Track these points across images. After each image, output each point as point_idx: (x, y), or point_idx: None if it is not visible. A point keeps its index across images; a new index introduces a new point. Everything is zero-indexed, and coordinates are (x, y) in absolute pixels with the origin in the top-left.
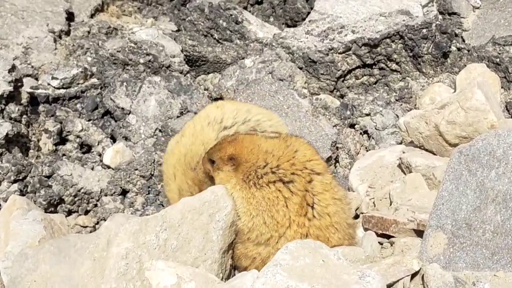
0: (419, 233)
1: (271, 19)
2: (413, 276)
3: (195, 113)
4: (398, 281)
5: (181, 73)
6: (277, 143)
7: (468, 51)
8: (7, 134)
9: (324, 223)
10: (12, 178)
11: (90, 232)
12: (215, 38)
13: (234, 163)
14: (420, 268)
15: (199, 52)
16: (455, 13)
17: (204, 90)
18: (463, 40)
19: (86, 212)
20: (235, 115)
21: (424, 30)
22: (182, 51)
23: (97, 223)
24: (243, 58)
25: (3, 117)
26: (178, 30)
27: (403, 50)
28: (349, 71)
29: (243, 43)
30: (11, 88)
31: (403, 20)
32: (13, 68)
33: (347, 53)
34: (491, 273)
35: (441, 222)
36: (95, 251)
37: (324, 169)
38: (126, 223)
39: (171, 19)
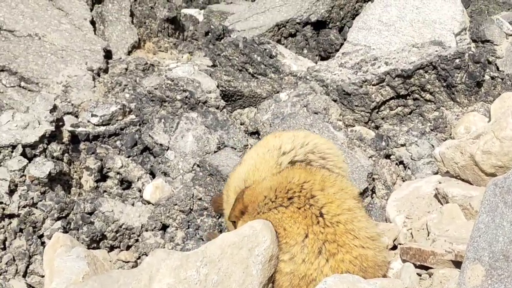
0: (457, 264)
1: (305, 51)
2: None
3: (232, 147)
4: None
5: (217, 108)
6: (275, 178)
7: (502, 79)
8: (49, 173)
9: (339, 230)
10: (56, 215)
11: (132, 267)
12: (250, 73)
13: (243, 213)
14: None
15: (234, 87)
16: (488, 41)
17: (241, 124)
18: (497, 68)
19: (128, 248)
20: (293, 140)
21: (457, 60)
22: (218, 86)
23: (139, 258)
24: (278, 92)
25: (45, 156)
26: (214, 65)
27: (437, 80)
28: (383, 102)
29: (278, 77)
30: (52, 128)
31: (436, 51)
32: (54, 108)
33: (381, 84)
34: None
35: (478, 254)
36: (138, 287)
37: (325, 185)
38: (167, 258)
39: (206, 54)
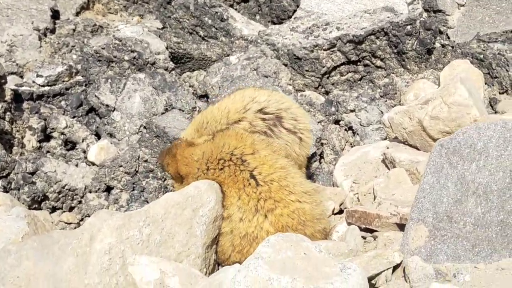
0: (402, 227)
1: (257, 17)
2: (394, 268)
3: (180, 109)
4: (379, 273)
5: (166, 70)
6: (208, 146)
7: (453, 47)
8: None
9: (274, 187)
10: None
11: (75, 228)
12: (200, 36)
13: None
14: (402, 261)
15: (184, 49)
16: (440, 11)
17: (189, 87)
18: (448, 37)
19: (71, 209)
20: (269, 95)
21: (409, 27)
22: (167, 48)
23: (82, 219)
24: (228, 55)
25: None
26: (164, 28)
27: (388, 47)
28: (334, 68)
29: (228, 40)
30: None
31: (388, 17)
32: None
33: (332, 49)
34: (471, 265)
35: (422, 215)
36: (78, 247)
37: (257, 148)
38: (109, 219)
39: (157, 17)
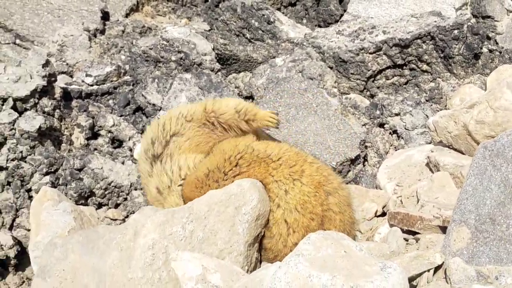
0: (445, 229)
1: (304, 20)
2: (436, 270)
3: None
4: (420, 274)
5: (212, 71)
6: (207, 160)
7: (500, 53)
8: (39, 127)
9: (292, 155)
10: (44, 170)
11: (120, 224)
12: (246, 38)
13: None
14: (443, 262)
15: (230, 50)
16: (489, 17)
17: (235, 88)
18: (496, 43)
19: (116, 206)
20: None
21: (456, 31)
22: (213, 49)
23: (127, 216)
24: (274, 57)
25: (36, 111)
26: (211, 30)
27: (434, 51)
28: (380, 71)
29: (274, 43)
30: (44, 83)
31: (435, 21)
32: (47, 63)
33: (378, 53)
34: None
35: (465, 216)
36: (122, 242)
37: (252, 139)
38: (153, 215)
39: (204, 19)
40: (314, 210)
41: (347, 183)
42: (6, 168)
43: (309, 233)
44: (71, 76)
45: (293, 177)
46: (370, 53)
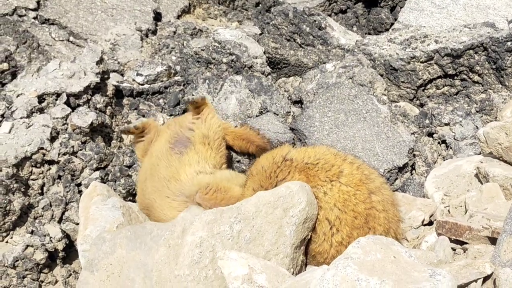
0: (493, 240)
1: (355, 28)
2: (484, 280)
3: (275, 113)
4: (469, 283)
5: (262, 74)
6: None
7: None
8: (91, 123)
9: (328, 158)
10: (94, 165)
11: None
12: (297, 43)
13: None
14: (492, 272)
15: (281, 54)
16: None
17: (285, 92)
18: None
19: None
20: None
21: (509, 43)
22: (264, 53)
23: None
24: (324, 63)
25: (89, 107)
26: (262, 34)
27: (486, 62)
28: (430, 81)
29: (325, 49)
30: (98, 80)
31: (488, 32)
32: (101, 61)
33: (429, 62)
34: None
35: None
36: (170, 238)
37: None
38: (201, 213)
39: (255, 23)
40: (356, 208)
41: (394, 191)
42: (58, 162)
43: (353, 231)
44: (122, 75)
45: (331, 179)
46: (421, 62)
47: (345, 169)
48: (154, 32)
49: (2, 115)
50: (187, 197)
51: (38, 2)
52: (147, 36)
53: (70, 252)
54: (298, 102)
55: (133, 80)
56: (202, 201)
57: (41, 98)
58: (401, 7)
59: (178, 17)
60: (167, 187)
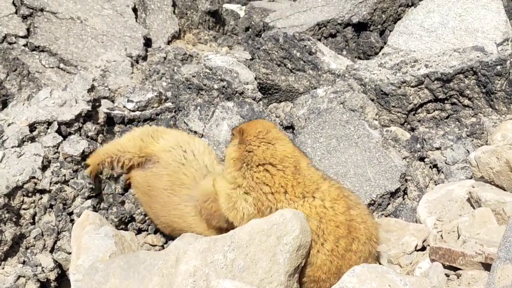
0: (487, 266)
1: (344, 52)
2: None
3: None
4: None
5: (254, 99)
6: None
7: None
8: (83, 152)
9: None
10: (86, 194)
11: (159, 250)
12: (288, 68)
13: None
14: None
15: (272, 80)
16: None
17: (276, 117)
18: None
19: (155, 232)
20: None
21: (499, 67)
22: (255, 78)
23: (166, 242)
24: (315, 88)
25: (80, 135)
26: (252, 59)
27: (476, 86)
28: (421, 105)
29: (316, 73)
30: (89, 108)
31: (477, 56)
32: (92, 88)
33: (420, 86)
34: None
35: (510, 254)
36: (164, 268)
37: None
38: (195, 242)
39: (245, 48)
40: (336, 218)
41: (386, 216)
42: (49, 191)
43: (340, 240)
44: (113, 101)
45: (304, 195)
46: (412, 87)
47: (321, 186)
48: (145, 58)
49: None
50: (196, 201)
51: (28, 29)
52: (137, 62)
53: (62, 281)
54: (290, 128)
55: (124, 106)
56: (201, 209)
57: (32, 127)
58: (390, 31)
59: (168, 42)
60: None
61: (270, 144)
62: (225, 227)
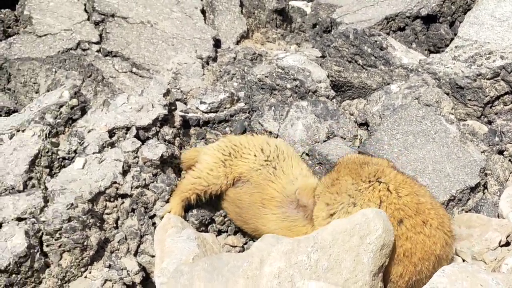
0: None
1: (414, 45)
2: None
3: (342, 137)
4: None
5: (327, 98)
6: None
7: None
8: (162, 156)
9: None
10: (166, 197)
11: (239, 251)
12: (359, 64)
13: None
14: None
15: (344, 77)
16: None
17: (350, 115)
18: None
19: (235, 233)
20: None
21: None
22: (328, 76)
23: (246, 243)
24: (388, 84)
25: (158, 139)
26: (323, 56)
27: None
28: (497, 97)
29: (388, 69)
30: (166, 112)
31: None
32: (167, 92)
33: (496, 79)
34: None
35: None
36: (249, 270)
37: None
38: (277, 243)
39: (313, 45)
40: (399, 201)
41: (467, 212)
42: (131, 196)
43: (404, 222)
44: (185, 103)
45: (370, 179)
46: (488, 79)
47: (385, 170)
48: (215, 59)
49: (75, 151)
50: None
51: (100, 35)
52: (208, 64)
53: (146, 284)
54: (364, 125)
55: (197, 108)
56: (301, 197)
57: (111, 133)
58: (460, 22)
59: (237, 42)
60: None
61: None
62: None
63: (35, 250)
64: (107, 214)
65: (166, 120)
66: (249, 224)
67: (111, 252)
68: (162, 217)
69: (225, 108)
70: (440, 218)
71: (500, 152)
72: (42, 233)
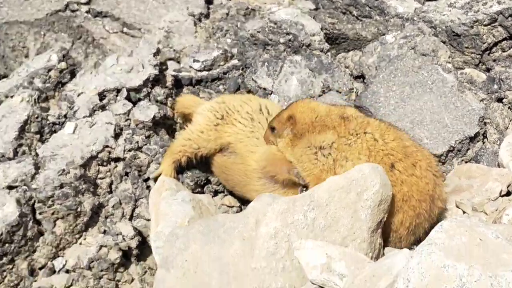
0: None
1: None
2: None
3: (337, 91)
4: None
5: (321, 51)
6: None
7: None
8: (154, 117)
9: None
10: (160, 159)
11: (237, 212)
12: (354, 15)
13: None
14: None
15: (339, 29)
16: None
17: (345, 67)
18: None
19: (232, 193)
20: None
21: None
22: (321, 29)
23: (243, 203)
24: (383, 34)
25: (149, 100)
26: (316, 9)
27: None
28: (495, 44)
29: (383, 19)
30: (156, 72)
31: None
32: (157, 52)
33: (493, 25)
34: None
35: None
36: (244, 231)
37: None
38: (273, 203)
39: None
40: (386, 146)
41: (466, 162)
42: (124, 159)
43: (396, 166)
44: (179, 62)
45: (357, 131)
46: (485, 25)
47: (370, 122)
48: (207, 16)
49: (65, 116)
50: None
51: None
52: (200, 21)
53: (143, 249)
54: (360, 77)
55: (190, 67)
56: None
57: (101, 95)
58: None
59: None
60: None
61: None
62: None
63: (28, 219)
64: (100, 178)
65: (157, 80)
66: (236, 190)
67: (106, 218)
68: (156, 179)
69: (219, 65)
70: (427, 159)
71: (499, 100)
72: (34, 201)
